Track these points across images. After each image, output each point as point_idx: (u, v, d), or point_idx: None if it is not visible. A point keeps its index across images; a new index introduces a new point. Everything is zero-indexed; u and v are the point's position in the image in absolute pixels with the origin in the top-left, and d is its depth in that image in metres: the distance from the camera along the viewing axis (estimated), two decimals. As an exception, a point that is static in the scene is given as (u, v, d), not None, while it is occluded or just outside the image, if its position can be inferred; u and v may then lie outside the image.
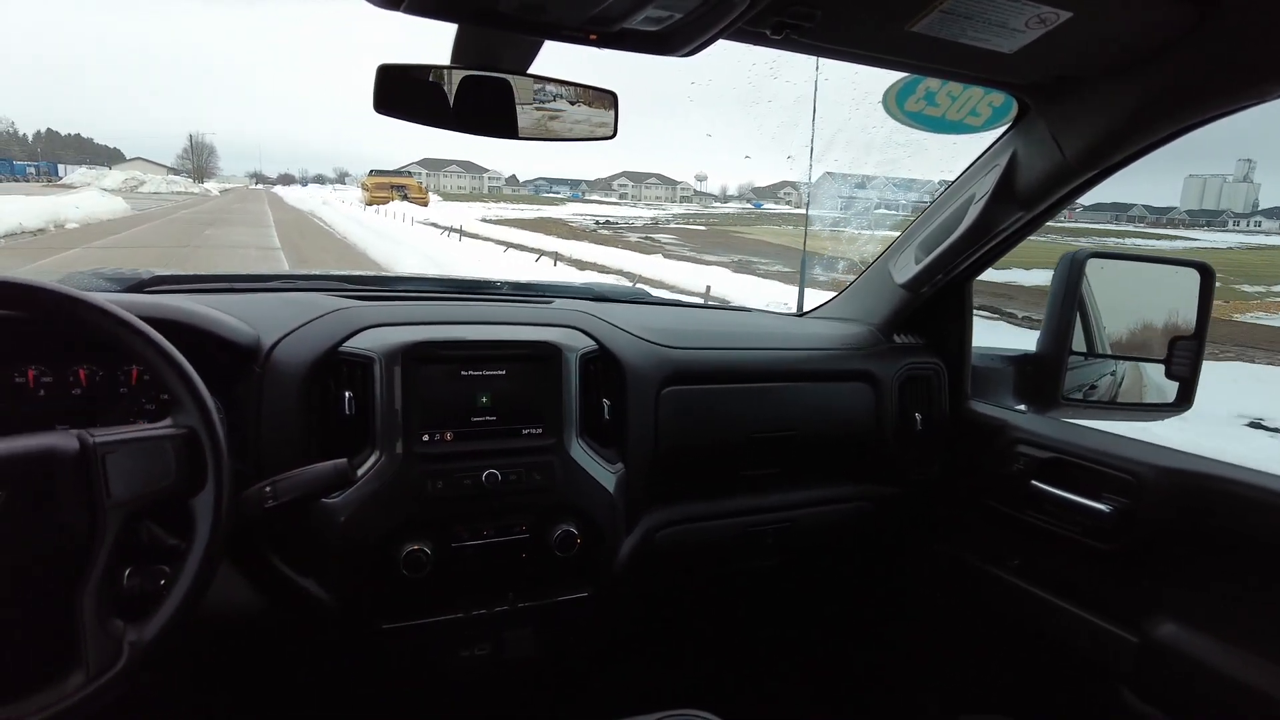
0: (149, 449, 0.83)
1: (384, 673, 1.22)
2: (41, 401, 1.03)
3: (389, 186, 36.05)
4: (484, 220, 27.25)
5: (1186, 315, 1.40)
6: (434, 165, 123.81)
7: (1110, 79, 1.08)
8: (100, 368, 1.06)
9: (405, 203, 29.57)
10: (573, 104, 1.03)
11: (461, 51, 0.95)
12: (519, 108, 1.00)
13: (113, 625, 0.79)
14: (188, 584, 0.83)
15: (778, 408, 1.45)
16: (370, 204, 31.11)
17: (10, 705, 0.73)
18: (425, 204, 34.24)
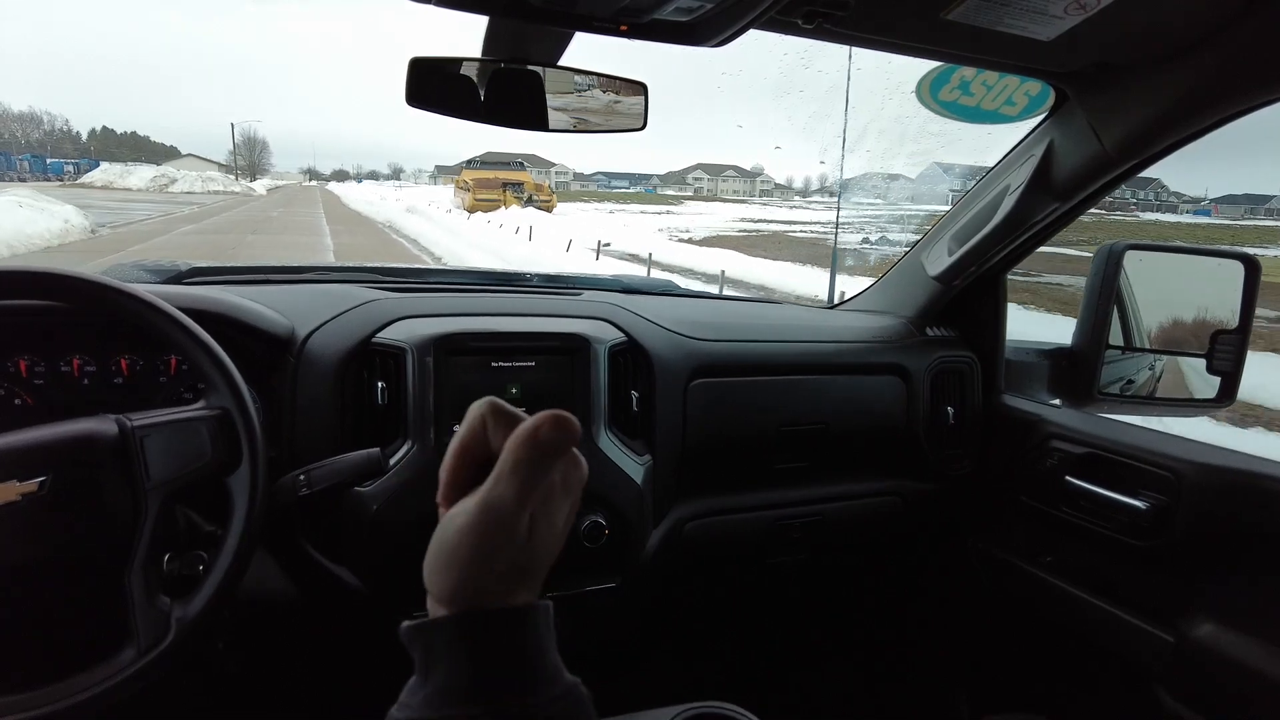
0: (185, 430, 0.85)
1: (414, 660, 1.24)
2: (85, 390, 1.06)
3: (499, 185, 25.96)
4: (677, 239, 19.21)
5: (1230, 309, 1.37)
6: (496, 159, 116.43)
7: (1152, 67, 1.05)
8: (140, 357, 1.09)
9: (531, 208, 21.98)
10: (603, 95, 1.03)
11: (492, 44, 0.96)
12: (549, 100, 1.01)
13: (160, 602, 0.82)
14: (229, 560, 0.85)
15: (807, 401, 1.44)
16: (474, 210, 22.51)
17: (68, 681, 0.76)
18: (551, 209, 25.60)
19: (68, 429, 0.81)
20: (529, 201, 24.86)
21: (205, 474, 0.86)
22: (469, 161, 34.48)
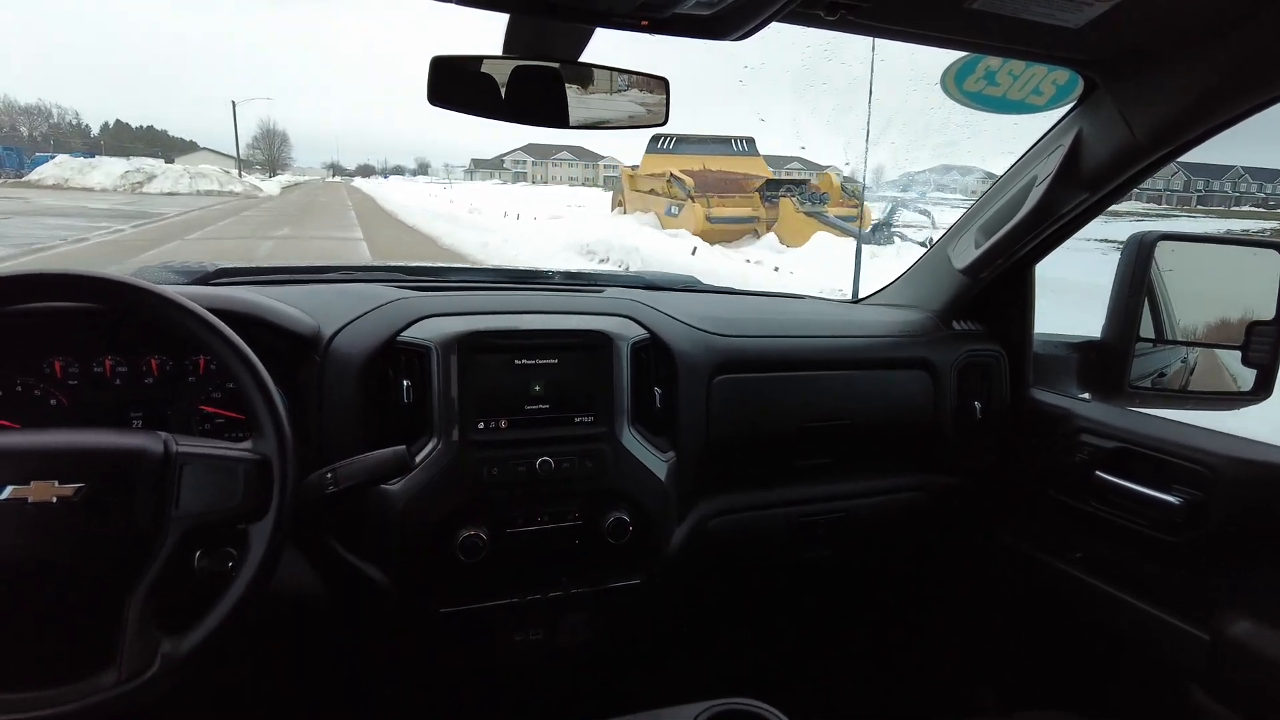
0: (223, 468, 0.84)
1: (440, 656, 1.25)
2: (117, 391, 1.08)
3: (753, 189, 13.53)
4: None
5: (1266, 299, 1.33)
6: (540, 153, 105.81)
7: (1185, 52, 1.03)
8: (170, 357, 1.10)
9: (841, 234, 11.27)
10: (625, 91, 1.03)
11: (513, 41, 0.96)
12: (570, 96, 1.01)
13: (151, 634, 0.80)
14: (229, 606, 0.83)
15: (832, 397, 1.43)
16: (713, 241, 11.80)
17: (41, 692, 0.75)
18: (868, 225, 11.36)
19: (118, 440, 0.81)
20: (876, 231, 11.57)
21: (230, 517, 0.85)
22: (654, 141, 17.09)
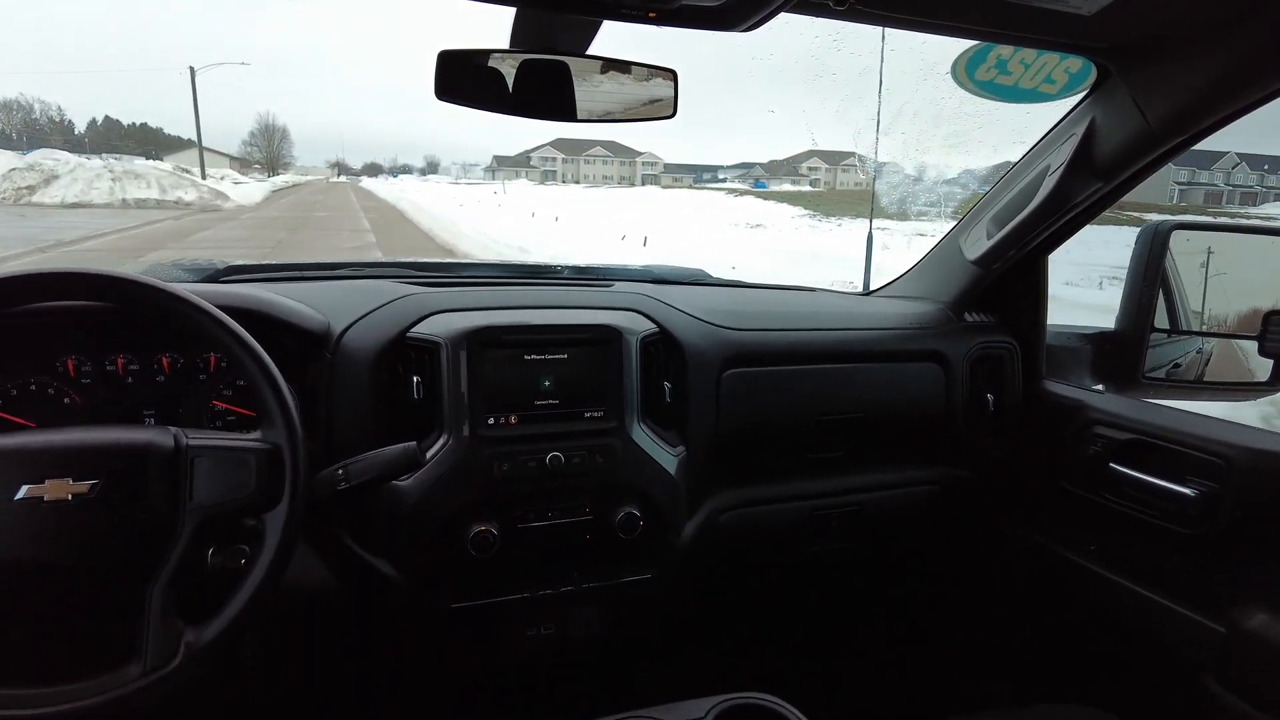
0: (234, 459, 0.85)
1: (451, 651, 1.25)
2: (130, 389, 1.08)
3: None
4: None
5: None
6: (570, 148, 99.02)
7: (1199, 40, 1.02)
8: (181, 355, 1.11)
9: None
10: (632, 83, 1.02)
11: (520, 35, 0.95)
12: (578, 89, 1.00)
13: (174, 624, 0.81)
14: (247, 595, 0.84)
15: (843, 389, 1.43)
16: None
17: (69, 686, 0.76)
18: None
19: (128, 436, 0.82)
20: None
21: (244, 506, 0.86)
22: None
